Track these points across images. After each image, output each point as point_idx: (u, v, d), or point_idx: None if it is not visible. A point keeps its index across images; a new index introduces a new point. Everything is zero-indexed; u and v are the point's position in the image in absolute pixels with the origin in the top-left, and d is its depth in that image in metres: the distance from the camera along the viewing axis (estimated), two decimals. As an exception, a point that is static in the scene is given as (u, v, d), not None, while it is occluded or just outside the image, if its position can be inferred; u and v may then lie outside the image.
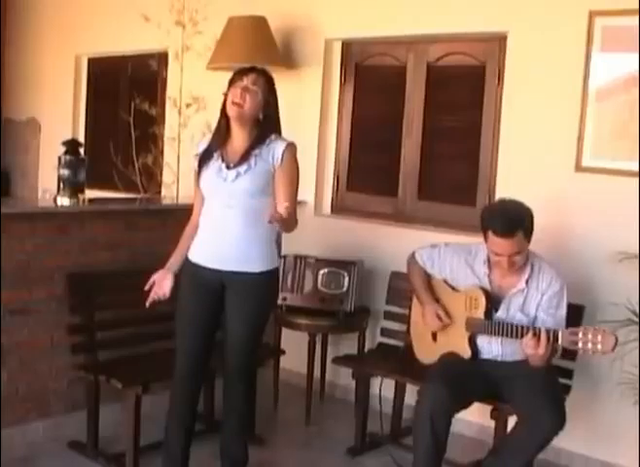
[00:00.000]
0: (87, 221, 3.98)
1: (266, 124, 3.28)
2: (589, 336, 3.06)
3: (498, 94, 4.29)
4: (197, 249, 3.36)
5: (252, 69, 3.29)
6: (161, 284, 3.38)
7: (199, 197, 3.39)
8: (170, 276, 3.38)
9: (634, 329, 3.54)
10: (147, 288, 3.38)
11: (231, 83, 3.25)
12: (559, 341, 3.13)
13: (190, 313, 3.37)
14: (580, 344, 3.08)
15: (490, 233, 3.31)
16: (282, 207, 3.05)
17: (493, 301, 3.44)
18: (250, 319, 3.32)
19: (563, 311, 3.38)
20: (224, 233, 3.26)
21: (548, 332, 3.16)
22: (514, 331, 3.28)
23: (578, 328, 3.15)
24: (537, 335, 3.17)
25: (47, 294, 3.84)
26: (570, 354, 3.57)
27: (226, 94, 3.25)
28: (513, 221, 3.29)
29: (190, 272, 3.37)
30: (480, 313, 3.43)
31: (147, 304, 3.38)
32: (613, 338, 3.04)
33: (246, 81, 3.22)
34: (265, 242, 3.30)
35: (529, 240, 3.35)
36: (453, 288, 3.59)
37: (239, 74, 3.26)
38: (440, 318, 3.53)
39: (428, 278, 3.70)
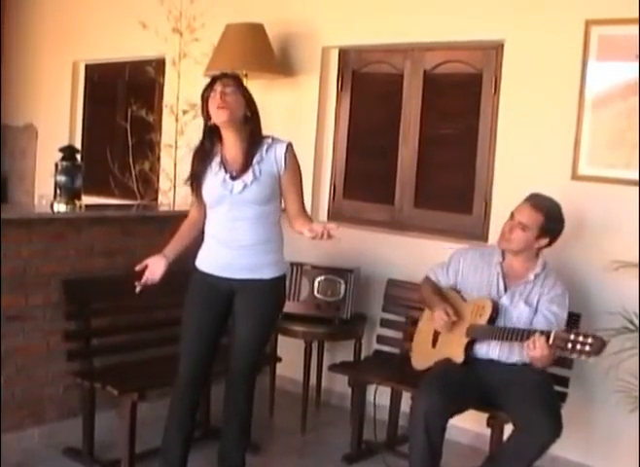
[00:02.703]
0: (83, 227, 3.98)
1: (253, 120, 3.27)
2: (580, 338, 3.10)
3: (495, 102, 4.30)
4: (207, 259, 3.36)
5: (215, 77, 3.27)
6: (154, 269, 3.36)
7: (196, 200, 3.39)
8: (164, 263, 3.36)
9: (630, 337, 3.54)
10: (138, 268, 3.36)
11: (206, 97, 3.23)
12: (550, 342, 3.16)
13: (197, 322, 3.36)
14: (569, 345, 3.11)
15: (522, 201, 3.54)
16: (329, 230, 3.04)
17: (500, 290, 3.53)
18: (259, 325, 3.34)
19: (564, 315, 3.46)
20: (233, 243, 3.27)
21: (541, 333, 3.20)
22: (510, 334, 3.32)
23: (570, 330, 3.20)
24: (534, 339, 3.20)
25: (43, 300, 3.84)
26: (566, 362, 3.58)
27: (207, 111, 3.24)
28: (545, 202, 3.52)
29: (198, 280, 3.38)
30: (483, 320, 3.45)
31: (137, 289, 3.35)
32: (602, 341, 3.07)
33: (218, 88, 3.20)
34: (274, 249, 3.32)
35: (540, 237, 3.48)
36: (463, 299, 3.61)
37: (208, 86, 3.25)
38: (447, 314, 3.51)
39: (439, 288, 3.73)
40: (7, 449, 3.72)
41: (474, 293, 3.60)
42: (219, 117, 3.20)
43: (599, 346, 3.07)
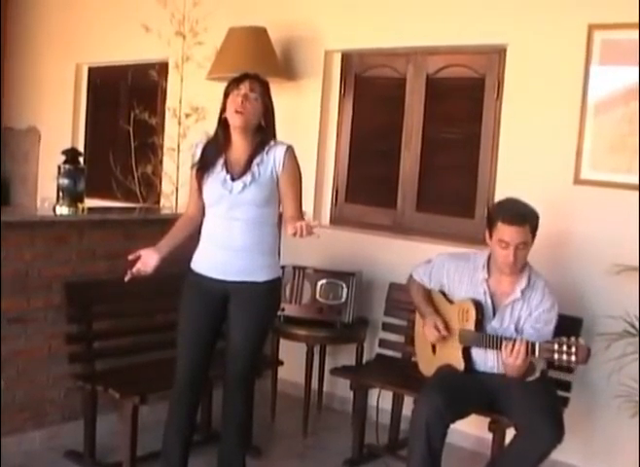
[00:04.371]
0: (85, 230, 3.98)
1: (267, 130, 3.29)
2: (564, 347, 3.09)
3: (497, 107, 4.30)
4: (201, 260, 3.36)
5: (246, 76, 3.27)
6: (146, 261, 3.33)
7: (195, 194, 3.38)
8: (156, 257, 3.33)
9: (632, 342, 3.54)
10: (131, 258, 3.34)
11: (228, 92, 3.25)
12: (536, 353, 3.16)
13: (192, 324, 3.36)
14: (555, 355, 3.12)
15: (500, 223, 3.36)
16: (309, 225, 3.03)
17: (488, 308, 3.46)
18: (254, 328, 3.33)
19: (549, 329, 3.38)
20: (229, 244, 3.26)
21: (526, 343, 3.18)
22: (500, 343, 3.28)
23: (554, 339, 3.17)
24: (515, 345, 3.18)
25: (45, 303, 3.84)
26: (568, 367, 3.57)
27: (224, 105, 3.26)
28: (523, 212, 3.39)
29: (193, 282, 3.37)
30: (470, 325, 3.44)
31: (126, 278, 3.33)
32: (586, 349, 3.08)
33: (244, 89, 3.21)
34: (269, 252, 3.32)
35: (532, 240, 3.39)
36: (450, 301, 3.60)
37: (235, 82, 3.25)
38: (438, 330, 3.52)
39: (428, 293, 3.71)
40: (8, 451, 3.72)
41: (457, 292, 3.57)
42: (234, 121, 3.21)
43: (584, 355, 3.07)
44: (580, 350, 3.07)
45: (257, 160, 3.24)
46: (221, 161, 3.28)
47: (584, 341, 3.13)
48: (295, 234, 3.04)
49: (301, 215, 3.30)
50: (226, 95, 3.26)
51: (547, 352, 3.14)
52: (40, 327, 3.84)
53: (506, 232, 3.34)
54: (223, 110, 3.27)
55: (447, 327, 3.53)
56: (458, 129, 4.54)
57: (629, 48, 3.73)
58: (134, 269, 3.33)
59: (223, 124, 3.28)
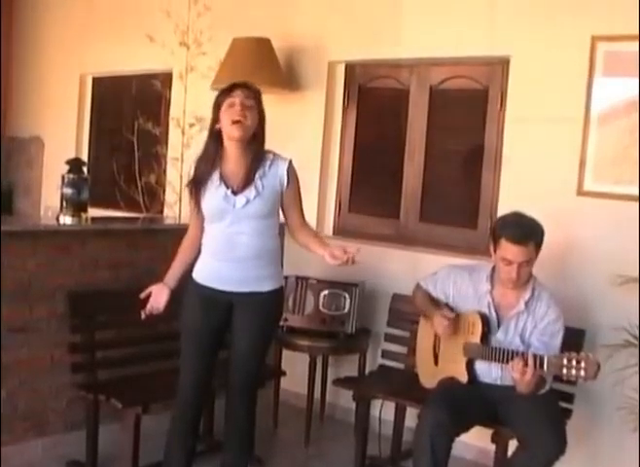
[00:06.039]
0: (88, 240, 3.98)
1: (259, 138, 3.24)
2: (573, 362, 3.06)
3: (500, 118, 4.30)
4: (204, 271, 3.34)
5: (237, 85, 3.23)
6: (157, 298, 3.37)
7: (195, 215, 3.37)
8: (167, 291, 3.37)
9: (634, 353, 3.53)
10: (143, 296, 3.37)
11: (220, 103, 3.20)
12: (544, 367, 3.13)
13: (195, 334, 3.35)
14: (564, 370, 3.08)
15: (503, 241, 3.34)
16: (350, 254, 3.16)
17: (493, 320, 3.45)
18: (257, 337, 3.34)
19: (557, 342, 3.36)
20: (232, 256, 3.25)
21: (534, 357, 3.15)
22: (506, 356, 3.27)
23: (562, 354, 3.14)
24: (524, 359, 3.16)
25: (47, 312, 3.84)
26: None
27: (217, 117, 3.22)
28: (527, 230, 3.36)
29: (196, 293, 3.35)
30: (476, 338, 3.43)
31: (143, 316, 3.36)
32: (596, 364, 3.04)
33: (238, 97, 3.16)
34: (272, 262, 3.32)
35: (537, 255, 3.38)
36: (455, 313, 3.58)
37: (227, 92, 3.20)
38: (445, 317, 3.47)
39: (433, 298, 3.69)
40: (9, 461, 3.71)
41: (462, 304, 3.56)
42: (233, 131, 3.16)
43: (593, 370, 3.04)
44: (589, 365, 3.04)
45: (259, 172, 3.21)
46: (217, 175, 3.24)
47: (592, 355, 3.09)
48: (339, 265, 3.17)
49: (306, 222, 3.36)
50: (218, 107, 3.21)
51: (555, 367, 3.11)
52: (42, 336, 3.84)
53: (509, 250, 3.33)
54: (215, 121, 3.22)
55: (455, 321, 3.49)
56: (461, 140, 4.55)
57: (632, 59, 3.74)
58: (148, 308, 3.36)
59: (216, 136, 3.25)
